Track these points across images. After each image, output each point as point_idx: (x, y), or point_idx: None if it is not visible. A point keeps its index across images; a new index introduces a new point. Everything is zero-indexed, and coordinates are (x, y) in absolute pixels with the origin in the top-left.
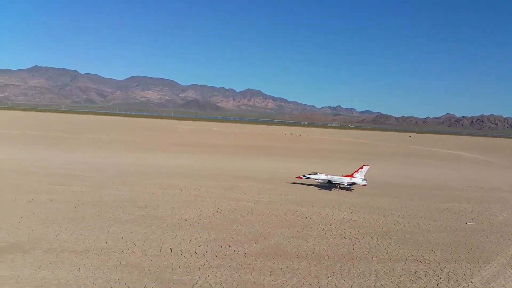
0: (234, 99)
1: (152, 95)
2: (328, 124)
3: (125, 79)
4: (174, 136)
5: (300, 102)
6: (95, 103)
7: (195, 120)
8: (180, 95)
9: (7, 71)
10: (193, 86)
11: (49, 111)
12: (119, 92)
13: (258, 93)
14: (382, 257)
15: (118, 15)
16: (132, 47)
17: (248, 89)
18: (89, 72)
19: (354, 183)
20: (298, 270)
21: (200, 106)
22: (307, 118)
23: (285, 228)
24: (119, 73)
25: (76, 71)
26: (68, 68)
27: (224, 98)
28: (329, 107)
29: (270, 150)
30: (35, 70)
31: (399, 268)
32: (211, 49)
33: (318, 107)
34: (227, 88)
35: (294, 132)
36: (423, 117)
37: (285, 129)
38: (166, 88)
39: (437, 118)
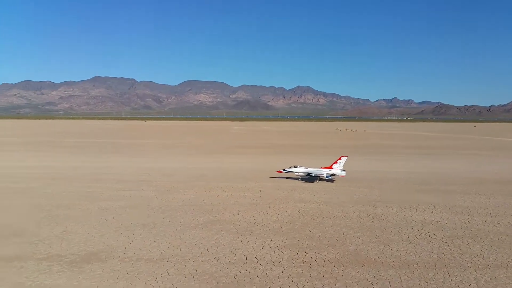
0: (284, 97)
1: (204, 98)
2: (384, 118)
3: (179, 84)
4: (230, 138)
5: (352, 97)
6: (152, 108)
7: (247, 120)
8: (231, 96)
9: (70, 82)
10: (243, 87)
11: (110, 118)
12: (173, 97)
13: (308, 89)
14: (479, 263)
15: (171, 23)
16: (185, 53)
17: (298, 86)
18: (145, 80)
19: (333, 174)
20: (387, 280)
21: (251, 106)
22: (361, 112)
23: (362, 232)
24: (173, 79)
25: (133, 79)
26: (125, 77)
27: (274, 97)
28: (384, 100)
29: (328, 148)
30: (96, 80)
31: (502, 276)
32: (260, 50)
33: (372, 100)
34: (277, 87)
35: (349, 127)
36: (487, 105)
37: (339, 125)
38: (218, 91)
39: (503, 105)
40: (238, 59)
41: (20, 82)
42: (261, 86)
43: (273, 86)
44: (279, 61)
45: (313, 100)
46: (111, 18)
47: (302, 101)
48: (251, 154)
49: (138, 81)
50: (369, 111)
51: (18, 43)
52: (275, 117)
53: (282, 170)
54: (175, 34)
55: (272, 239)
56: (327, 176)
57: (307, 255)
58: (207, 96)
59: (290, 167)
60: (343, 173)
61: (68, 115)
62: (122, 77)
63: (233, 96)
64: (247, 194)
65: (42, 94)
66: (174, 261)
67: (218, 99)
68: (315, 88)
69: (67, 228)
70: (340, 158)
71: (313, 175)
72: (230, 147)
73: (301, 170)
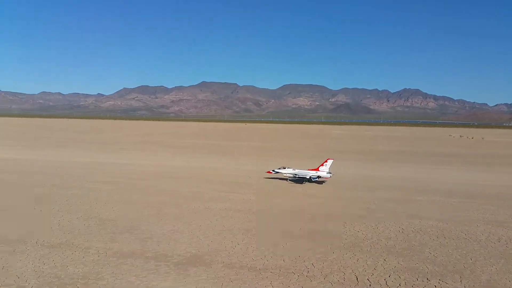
0: (388, 101)
1: (303, 101)
2: (504, 124)
3: (278, 88)
4: (330, 142)
5: (468, 100)
6: (252, 112)
7: (346, 124)
8: (330, 100)
9: (180, 87)
10: (344, 90)
11: (214, 121)
12: (272, 100)
13: (416, 92)
14: None
15: (271, 30)
16: (285, 57)
17: (405, 89)
18: (247, 84)
19: (319, 176)
20: None
21: (351, 110)
22: (477, 118)
23: (494, 259)
24: (273, 83)
25: (236, 84)
26: (229, 81)
27: (377, 100)
28: (505, 104)
29: (437, 156)
30: (203, 85)
31: None
32: (363, 51)
33: (490, 105)
34: (380, 90)
35: (464, 134)
36: None
37: (452, 130)
38: (317, 94)
39: None
40: (339, 61)
41: (138, 86)
42: (363, 89)
43: (376, 89)
44: (383, 62)
45: (421, 104)
46: (214, 28)
47: (409, 104)
48: (353, 160)
49: (240, 85)
50: (487, 116)
51: (137, 52)
52: (377, 121)
53: (271, 171)
54: (276, 40)
55: (386, 260)
56: (313, 178)
57: (429, 282)
58: (305, 100)
59: (279, 168)
60: (328, 175)
61: (178, 117)
62: (225, 82)
63: (333, 99)
64: (353, 204)
65: (156, 98)
66: (278, 273)
67: (317, 103)
68: (424, 91)
69: (174, 227)
70: (326, 161)
71: (298, 176)
72: (330, 152)
73: (289, 172)
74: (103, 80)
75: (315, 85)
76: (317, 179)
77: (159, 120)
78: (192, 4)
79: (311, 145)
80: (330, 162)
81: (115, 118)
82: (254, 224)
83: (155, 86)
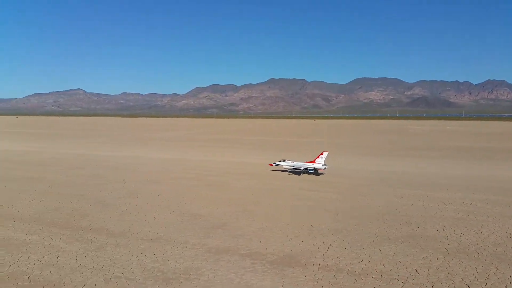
0: (470, 93)
1: (375, 95)
2: None
3: (348, 82)
4: (407, 138)
5: None
6: (321, 107)
7: (424, 119)
8: (405, 93)
9: (249, 85)
10: (421, 83)
11: (282, 117)
12: (342, 95)
13: (502, 84)
14: None
15: (338, 22)
16: (355, 51)
17: (489, 80)
18: (315, 80)
19: (315, 168)
20: None
21: (428, 104)
22: None
23: None
24: (343, 77)
25: (304, 79)
26: (297, 78)
27: (457, 93)
28: None
29: None
30: (271, 82)
31: None
32: (440, 41)
33: None
34: (461, 81)
35: None
36: None
37: None
38: (390, 87)
39: None
40: (414, 52)
41: (209, 85)
42: (442, 81)
43: (456, 81)
44: (464, 52)
45: (508, 96)
46: (282, 26)
47: (493, 97)
48: (444, 158)
49: (309, 81)
50: None
51: (208, 52)
52: (458, 116)
53: (273, 163)
54: (344, 33)
55: (498, 268)
56: (309, 170)
57: None
58: (378, 94)
59: (279, 161)
60: (323, 167)
61: (247, 114)
62: (294, 78)
63: (408, 92)
64: (448, 206)
65: (226, 96)
66: (380, 278)
67: (391, 97)
68: (510, 82)
69: (262, 225)
70: (322, 154)
71: (296, 168)
72: (408, 149)
73: (288, 164)
74: (177, 80)
75: (388, 78)
76: (313, 171)
77: (228, 117)
78: (258, 4)
79: (385, 142)
80: (325, 154)
81: (188, 116)
82: (343, 225)
83: (225, 85)
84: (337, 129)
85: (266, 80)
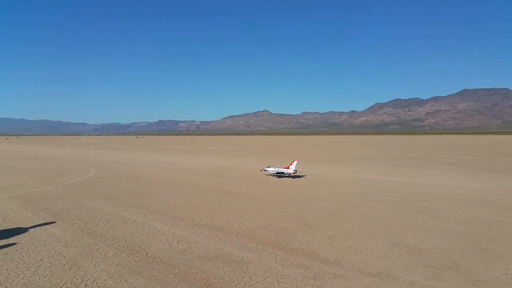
0: None
1: None
2: None
3: None
4: None
5: None
6: None
7: None
8: None
9: (437, 98)
10: None
11: (478, 133)
12: None
13: None
14: None
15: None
16: None
17: None
18: None
19: (289, 173)
20: None
21: None
22: None
23: None
24: None
25: (507, 89)
26: (498, 87)
27: None
28: None
29: None
30: (464, 93)
31: None
32: None
33: None
34: None
35: None
36: None
37: None
38: None
39: None
40: None
41: (390, 100)
42: None
43: None
44: None
45: None
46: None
47: None
48: None
49: None
50: None
51: (388, 67)
52: None
53: (262, 169)
54: None
55: None
56: (287, 174)
57: None
58: None
59: (267, 167)
60: (294, 172)
61: (433, 130)
62: (493, 88)
63: None
64: None
65: (410, 110)
66: None
67: None
68: None
69: (507, 271)
70: (292, 162)
71: (278, 173)
72: None
73: (271, 170)
74: (356, 97)
75: None
76: (291, 175)
77: (412, 134)
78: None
79: None
80: (295, 162)
81: (366, 133)
82: (485, 244)
83: (408, 99)
84: None
85: (458, 91)
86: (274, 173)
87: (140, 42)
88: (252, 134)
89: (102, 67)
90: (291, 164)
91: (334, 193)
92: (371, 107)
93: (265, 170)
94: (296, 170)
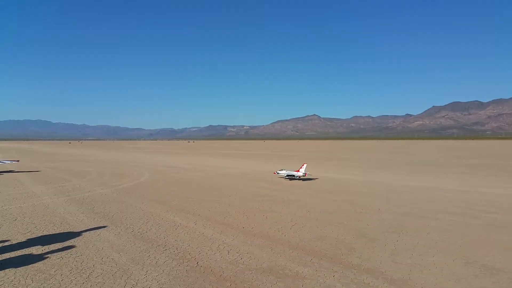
0: None
1: None
2: None
3: None
4: None
5: None
6: None
7: None
8: None
9: (499, 100)
10: None
11: None
12: None
13: None
14: None
15: None
16: None
17: None
18: None
19: (299, 176)
20: None
21: None
22: None
23: None
24: None
25: None
26: None
27: None
28: None
29: None
30: None
31: None
32: None
33: None
34: None
35: None
36: None
37: None
38: None
39: None
40: None
41: (448, 104)
42: None
43: None
44: None
45: None
46: None
47: None
48: None
49: None
50: None
51: (446, 69)
52: None
53: (275, 172)
54: None
55: None
56: (297, 177)
57: None
58: None
59: (280, 170)
60: (303, 175)
61: (495, 134)
62: None
63: None
64: None
65: (469, 114)
66: None
67: None
68: None
69: None
70: (302, 166)
71: (289, 175)
72: None
73: (283, 172)
74: (411, 100)
75: None
76: (298, 178)
77: (473, 138)
78: None
79: None
80: (305, 166)
81: (423, 138)
82: None
83: (467, 102)
84: None
85: None
86: (286, 176)
87: (192, 51)
88: (300, 139)
89: (157, 74)
90: (301, 167)
91: (392, 202)
92: (427, 110)
93: (278, 173)
94: (305, 173)
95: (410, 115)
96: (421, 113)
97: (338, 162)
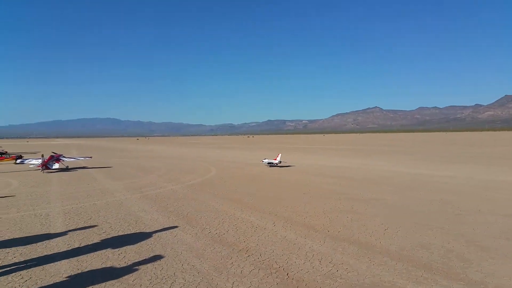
0: None
1: None
2: None
3: None
4: None
5: None
6: None
7: None
8: None
9: None
10: None
11: None
12: None
13: None
14: None
15: None
16: None
17: None
18: None
19: (278, 163)
20: None
21: None
22: None
23: None
24: None
25: None
26: None
27: None
28: None
29: None
30: None
31: None
32: None
33: None
34: None
35: None
36: None
37: None
38: None
39: None
40: None
41: None
42: None
43: None
44: None
45: None
46: None
47: None
48: None
49: None
50: None
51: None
52: None
53: (261, 161)
54: None
55: None
56: (276, 164)
57: None
58: None
59: (263, 159)
60: (279, 163)
61: None
62: None
63: None
64: None
65: None
66: None
67: None
68: None
69: None
70: (278, 155)
71: (269, 163)
72: None
73: (266, 161)
74: (482, 89)
75: None
76: (275, 165)
77: None
78: None
79: None
80: (280, 155)
81: (494, 130)
82: None
83: None
84: None
85: None
86: (267, 164)
87: (251, 49)
88: (361, 132)
89: (217, 72)
90: (277, 156)
91: (492, 202)
92: (499, 100)
93: (262, 161)
94: (280, 161)
95: (480, 105)
96: (492, 102)
97: (408, 156)
